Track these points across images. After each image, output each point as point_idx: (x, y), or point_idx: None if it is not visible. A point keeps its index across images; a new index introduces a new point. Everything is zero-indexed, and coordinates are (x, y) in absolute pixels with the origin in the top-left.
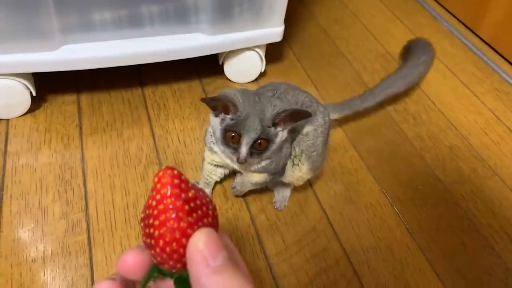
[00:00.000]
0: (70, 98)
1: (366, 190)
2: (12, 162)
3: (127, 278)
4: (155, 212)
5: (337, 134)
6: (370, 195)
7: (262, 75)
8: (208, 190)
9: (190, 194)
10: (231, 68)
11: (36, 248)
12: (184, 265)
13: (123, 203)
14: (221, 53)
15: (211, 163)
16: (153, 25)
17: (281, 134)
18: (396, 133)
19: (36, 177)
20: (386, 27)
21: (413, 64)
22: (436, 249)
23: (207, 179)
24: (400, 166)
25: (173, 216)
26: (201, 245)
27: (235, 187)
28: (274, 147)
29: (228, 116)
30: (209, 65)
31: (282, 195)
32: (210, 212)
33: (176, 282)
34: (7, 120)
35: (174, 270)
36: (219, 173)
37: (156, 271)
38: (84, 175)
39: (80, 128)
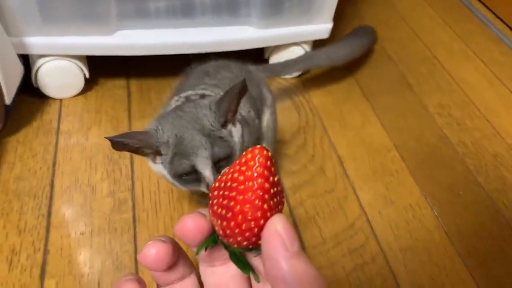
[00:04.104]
0: (120, 82)
1: (406, 191)
2: (64, 140)
3: (181, 241)
4: (242, 187)
5: (380, 135)
6: (410, 197)
7: (306, 71)
8: None
9: (276, 179)
10: None
11: (84, 222)
12: (249, 244)
13: (168, 186)
14: (268, 47)
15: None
16: (204, 15)
17: (235, 130)
18: (439, 137)
19: (86, 155)
20: (434, 32)
21: (339, 45)
22: (475, 255)
23: None
24: (441, 170)
25: (260, 195)
26: (280, 229)
27: None
28: (237, 146)
29: (161, 156)
30: (255, 59)
31: None
32: (283, 200)
33: (232, 256)
34: (61, 100)
35: (235, 245)
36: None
37: (213, 241)
38: (131, 157)
39: (129, 112)
